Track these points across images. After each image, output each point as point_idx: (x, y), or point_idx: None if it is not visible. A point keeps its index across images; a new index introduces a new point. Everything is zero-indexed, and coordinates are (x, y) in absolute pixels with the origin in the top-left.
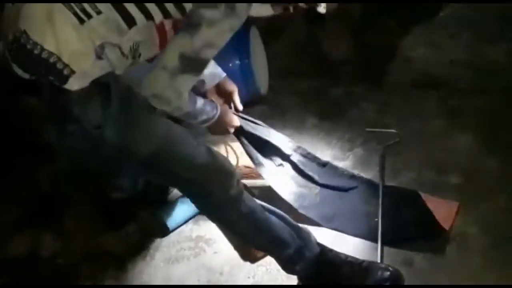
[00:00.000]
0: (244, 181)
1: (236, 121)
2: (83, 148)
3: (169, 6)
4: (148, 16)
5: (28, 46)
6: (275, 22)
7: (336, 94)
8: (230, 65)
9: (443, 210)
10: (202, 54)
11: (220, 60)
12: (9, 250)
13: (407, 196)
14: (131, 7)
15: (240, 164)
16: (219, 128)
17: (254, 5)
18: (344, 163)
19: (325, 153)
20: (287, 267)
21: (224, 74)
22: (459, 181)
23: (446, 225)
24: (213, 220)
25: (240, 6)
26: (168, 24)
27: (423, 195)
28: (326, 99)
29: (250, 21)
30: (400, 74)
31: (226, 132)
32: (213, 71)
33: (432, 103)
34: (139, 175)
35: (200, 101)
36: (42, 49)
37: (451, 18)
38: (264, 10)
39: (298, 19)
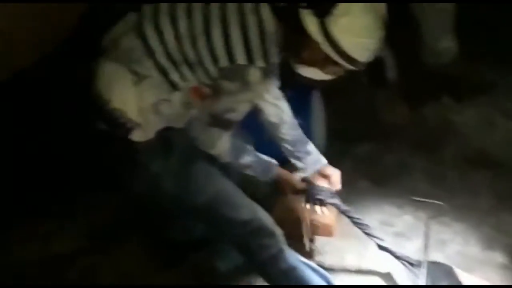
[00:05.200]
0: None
1: (298, 185)
2: (145, 189)
3: (200, 73)
4: (185, 79)
5: (101, 103)
6: (336, 84)
7: (389, 160)
8: None
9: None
10: (227, 116)
11: None
12: (66, 278)
13: (443, 270)
14: (172, 72)
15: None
16: (279, 187)
17: (303, 67)
18: (392, 229)
19: (375, 217)
20: None
21: (325, 161)
22: (504, 260)
23: None
24: (256, 273)
25: (254, 83)
26: (203, 87)
27: (457, 270)
28: (380, 164)
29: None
30: (454, 148)
31: (288, 193)
32: (316, 158)
33: (485, 181)
34: (189, 220)
35: (248, 158)
36: (111, 106)
37: (505, 95)
38: (315, 74)
39: (360, 82)
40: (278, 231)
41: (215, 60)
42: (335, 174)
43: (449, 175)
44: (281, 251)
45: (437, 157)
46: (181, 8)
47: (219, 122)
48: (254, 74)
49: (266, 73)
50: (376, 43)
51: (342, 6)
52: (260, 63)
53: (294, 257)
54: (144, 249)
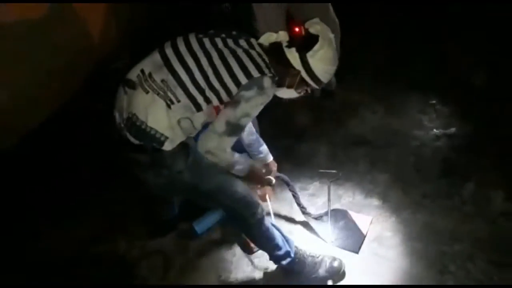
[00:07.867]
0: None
1: (265, 179)
2: (169, 184)
3: (222, 94)
4: (209, 101)
5: (138, 123)
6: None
7: (303, 148)
8: None
9: (362, 221)
10: (241, 121)
11: None
12: (92, 250)
13: (341, 213)
14: (198, 97)
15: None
16: (253, 178)
17: (282, 89)
18: (307, 192)
19: (296, 185)
20: (277, 262)
21: (271, 158)
22: (378, 203)
23: (364, 231)
24: (243, 233)
25: (267, 87)
26: (221, 105)
27: (350, 212)
28: (297, 151)
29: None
30: (343, 136)
31: (260, 181)
32: (264, 156)
33: (362, 154)
34: (200, 202)
35: (236, 154)
36: (147, 125)
37: (373, 101)
38: (289, 94)
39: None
40: (261, 203)
41: (236, 82)
42: (275, 167)
43: (340, 153)
44: (263, 217)
45: (332, 143)
46: (197, 49)
47: (234, 129)
48: (267, 81)
49: (273, 81)
50: (335, 69)
51: (319, 44)
52: (268, 73)
53: (268, 221)
54: (145, 226)
